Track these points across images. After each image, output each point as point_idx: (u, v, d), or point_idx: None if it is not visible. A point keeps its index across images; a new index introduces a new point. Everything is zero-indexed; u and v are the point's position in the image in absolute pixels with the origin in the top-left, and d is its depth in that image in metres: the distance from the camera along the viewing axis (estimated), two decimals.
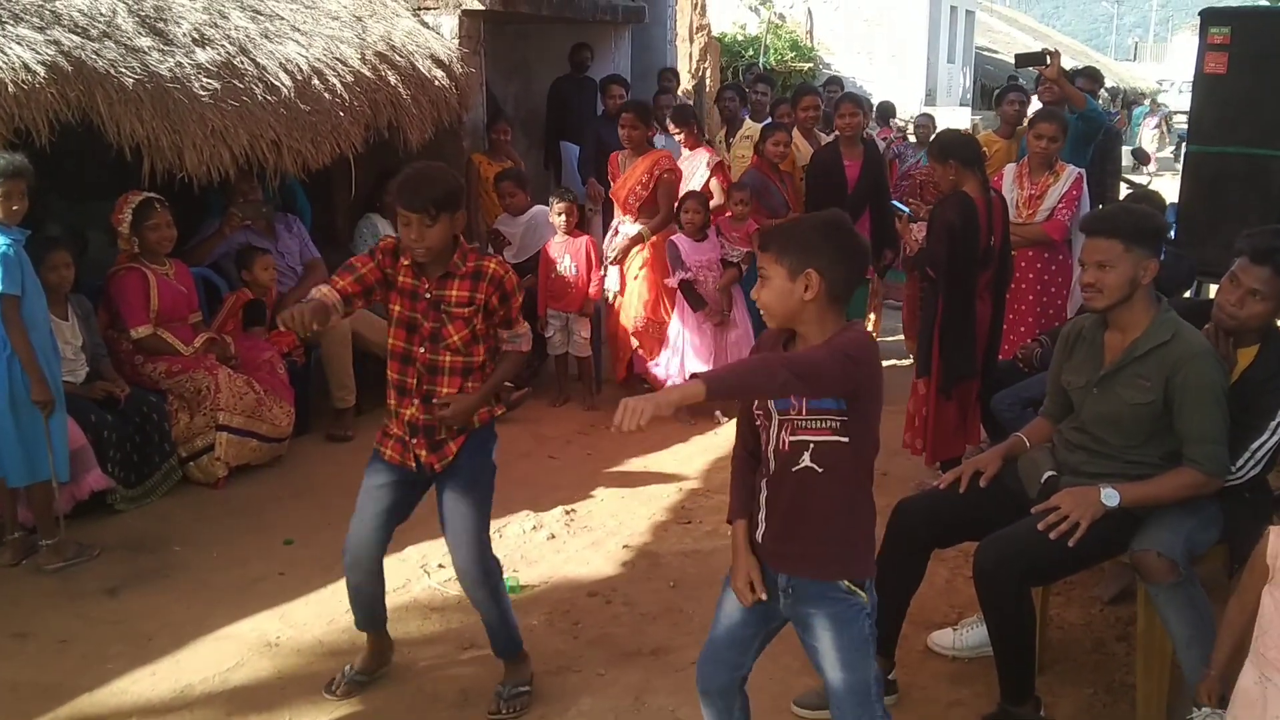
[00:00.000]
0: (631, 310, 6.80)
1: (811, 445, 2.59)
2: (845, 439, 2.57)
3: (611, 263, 6.85)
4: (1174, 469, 3.33)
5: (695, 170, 7.33)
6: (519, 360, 3.58)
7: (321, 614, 4.23)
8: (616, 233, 6.86)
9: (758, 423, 2.72)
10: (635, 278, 6.80)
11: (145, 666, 3.82)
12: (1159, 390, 3.28)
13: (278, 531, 4.97)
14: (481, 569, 3.48)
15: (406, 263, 3.37)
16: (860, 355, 2.51)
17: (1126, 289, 3.30)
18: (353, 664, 3.74)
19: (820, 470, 2.60)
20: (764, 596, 2.70)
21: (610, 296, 6.95)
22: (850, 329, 2.59)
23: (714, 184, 7.28)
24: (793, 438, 2.61)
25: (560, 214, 6.67)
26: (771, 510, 2.69)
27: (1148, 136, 23.00)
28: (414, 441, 3.43)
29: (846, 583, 2.64)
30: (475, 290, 3.35)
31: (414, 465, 3.47)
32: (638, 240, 6.65)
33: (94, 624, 4.12)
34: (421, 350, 3.39)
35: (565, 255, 6.67)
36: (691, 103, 10.31)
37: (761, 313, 2.66)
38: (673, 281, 6.60)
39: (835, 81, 10.90)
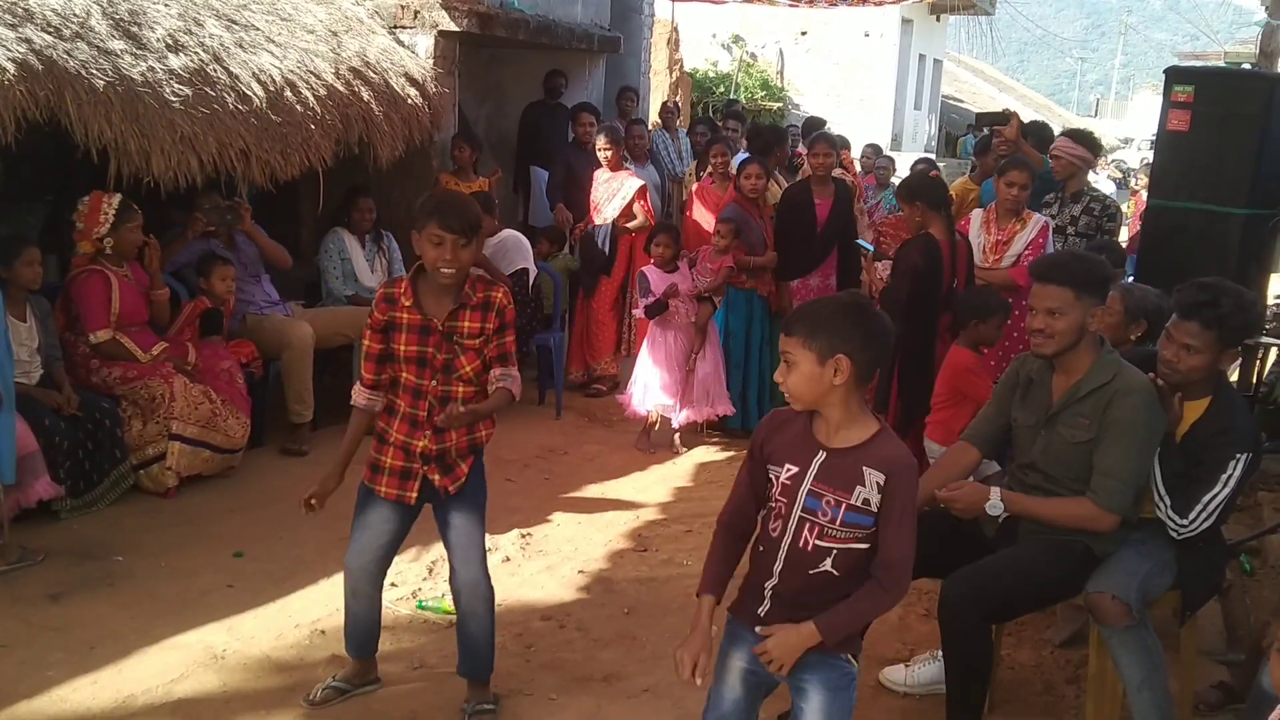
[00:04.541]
0: None
1: (835, 551, 2.56)
2: (867, 545, 2.57)
3: None
4: (1078, 497, 3.38)
5: (618, 191, 7.50)
6: (507, 398, 3.45)
7: (270, 628, 4.16)
8: None
9: (771, 505, 2.65)
10: None
11: (87, 675, 3.73)
12: (1096, 428, 3.33)
13: (228, 543, 4.89)
14: (488, 583, 3.57)
15: (408, 303, 3.37)
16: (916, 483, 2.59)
17: (1075, 336, 3.35)
18: (337, 673, 3.74)
19: (838, 574, 2.57)
20: (699, 682, 2.66)
21: None
22: (896, 453, 2.55)
23: (636, 207, 7.50)
24: (818, 541, 2.56)
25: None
26: (778, 598, 2.63)
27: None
28: (427, 468, 3.44)
29: (847, 655, 2.65)
30: (485, 320, 3.38)
31: (413, 497, 3.48)
32: None
33: (35, 630, 4.03)
34: (434, 384, 3.40)
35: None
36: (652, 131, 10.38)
37: (785, 396, 2.59)
38: (639, 312, 6.62)
39: (815, 123, 11.02)
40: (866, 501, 2.52)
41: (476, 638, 3.60)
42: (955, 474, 3.62)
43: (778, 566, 2.62)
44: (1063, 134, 6.76)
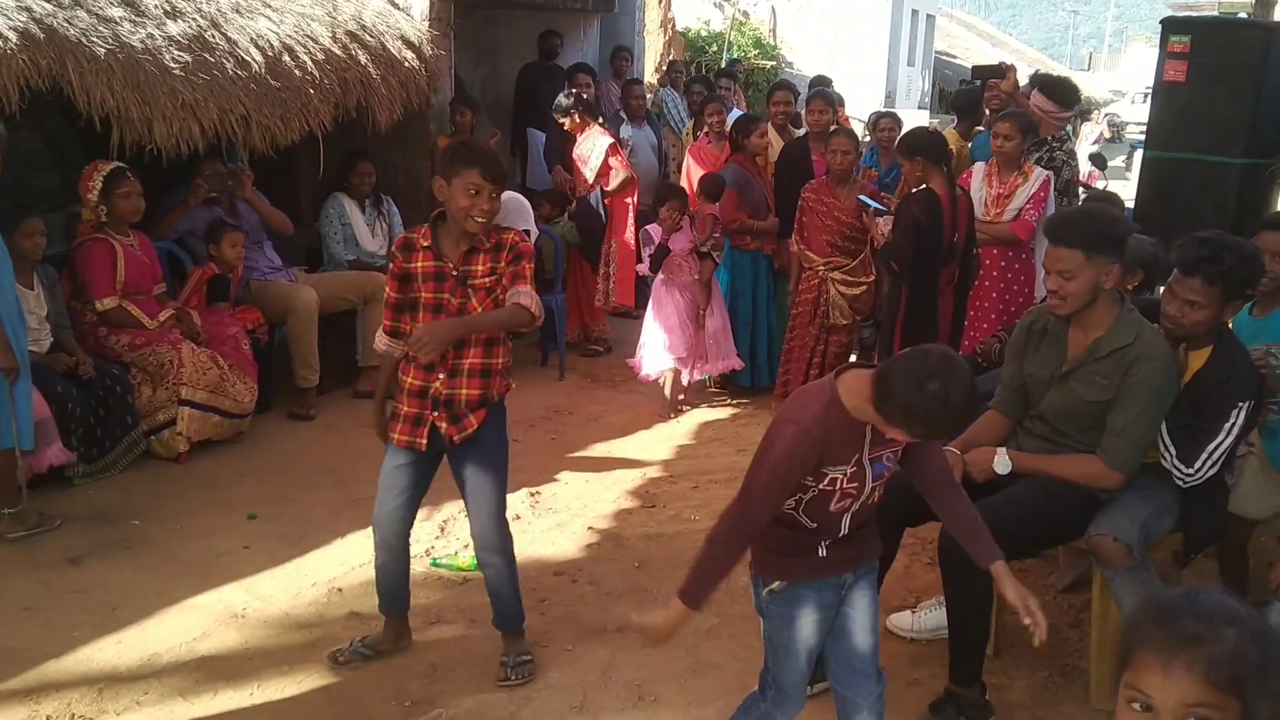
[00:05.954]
0: None
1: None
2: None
3: None
4: (1085, 454, 3.44)
5: (593, 151, 7.49)
6: (516, 313, 3.41)
7: (288, 587, 4.23)
8: None
9: (833, 492, 2.65)
10: None
11: (111, 635, 3.81)
12: (1115, 389, 3.37)
13: (241, 507, 4.96)
14: (501, 537, 3.61)
15: (426, 244, 3.41)
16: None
17: (1089, 296, 3.36)
18: (364, 637, 3.78)
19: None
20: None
21: None
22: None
23: (613, 162, 7.56)
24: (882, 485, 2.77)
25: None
26: (837, 542, 2.76)
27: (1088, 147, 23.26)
28: (434, 415, 3.47)
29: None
30: (497, 262, 3.43)
31: (423, 443, 3.50)
32: None
33: (58, 593, 4.10)
34: None
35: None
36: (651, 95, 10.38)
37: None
38: (644, 269, 6.63)
39: (821, 81, 11.06)
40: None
41: (496, 589, 3.68)
42: (990, 444, 3.66)
43: (845, 520, 2.73)
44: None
